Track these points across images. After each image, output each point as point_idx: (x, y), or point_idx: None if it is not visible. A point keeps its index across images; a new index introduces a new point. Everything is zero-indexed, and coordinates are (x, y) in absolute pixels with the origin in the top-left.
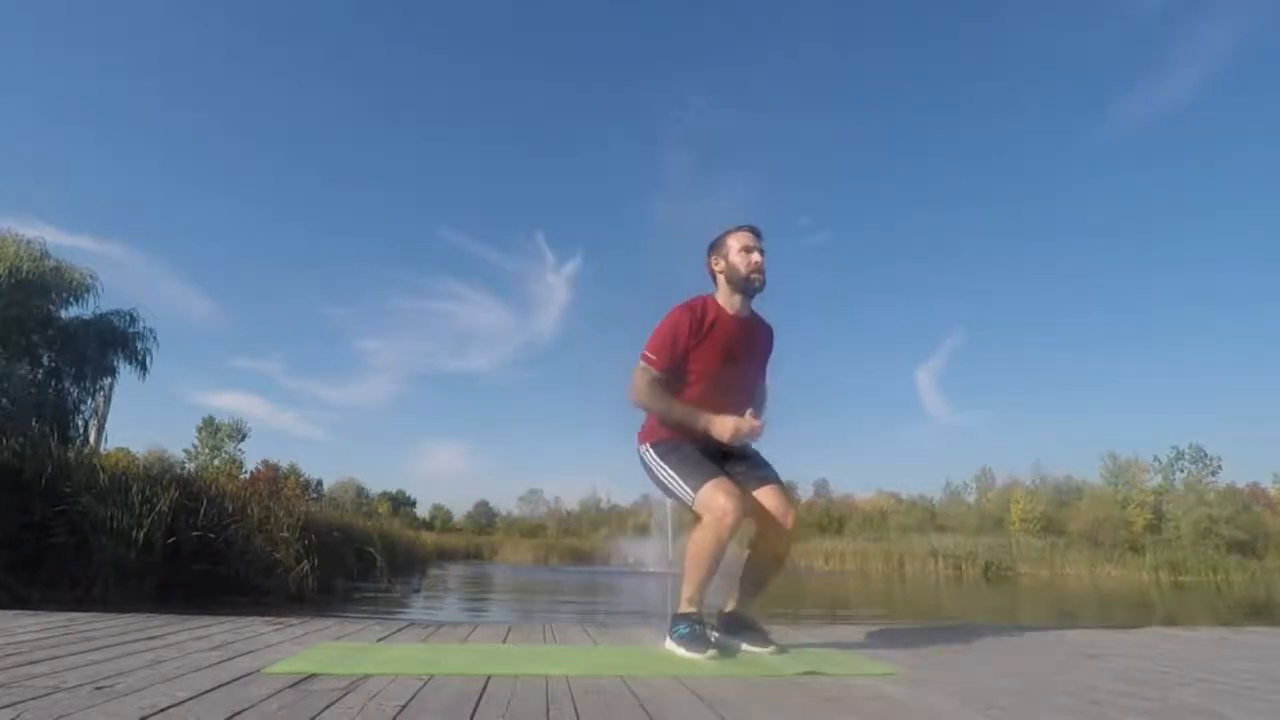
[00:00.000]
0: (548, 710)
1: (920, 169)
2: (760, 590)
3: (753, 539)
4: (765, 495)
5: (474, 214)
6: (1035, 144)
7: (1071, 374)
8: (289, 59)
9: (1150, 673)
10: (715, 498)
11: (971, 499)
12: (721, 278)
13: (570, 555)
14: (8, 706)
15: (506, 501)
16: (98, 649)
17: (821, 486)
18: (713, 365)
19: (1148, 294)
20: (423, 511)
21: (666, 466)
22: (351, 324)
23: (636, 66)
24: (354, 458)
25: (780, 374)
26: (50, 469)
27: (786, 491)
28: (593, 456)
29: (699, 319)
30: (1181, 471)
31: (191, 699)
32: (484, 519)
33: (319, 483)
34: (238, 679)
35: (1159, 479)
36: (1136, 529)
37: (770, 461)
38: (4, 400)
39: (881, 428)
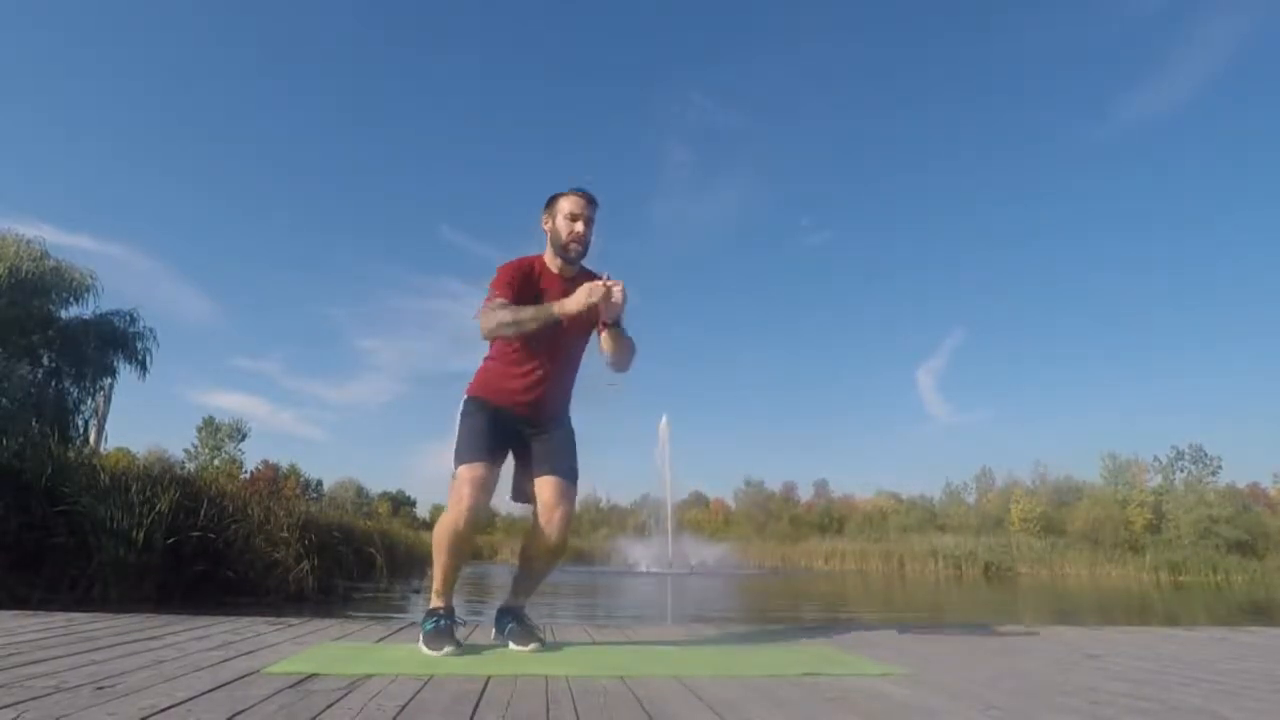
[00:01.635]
0: (548, 710)
1: (921, 169)
2: (532, 583)
3: (527, 530)
4: (543, 486)
5: (474, 213)
6: (1035, 143)
7: (1071, 374)
8: (289, 58)
9: (1150, 673)
10: (460, 484)
11: (971, 499)
12: (548, 238)
13: (570, 555)
14: (8, 706)
15: (506, 501)
16: (98, 649)
17: (821, 486)
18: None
19: (1148, 294)
20: (423, 511)
21: (458, 429)
22: (351, 324)
23: (637, 66)
24: (354, 458)
25: (778, 373)
26: (50, 469)
27: (565, 487)
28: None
29: (526, 273)
30: (1181, 471)
31: (192, 699)
32: (484, 519)
33: (319, 483)
34: (238, 679)
35: (1159, 479)
36: (1136, 529)
37: (571, 454)
38: (4, 400)
39: (882, 428)
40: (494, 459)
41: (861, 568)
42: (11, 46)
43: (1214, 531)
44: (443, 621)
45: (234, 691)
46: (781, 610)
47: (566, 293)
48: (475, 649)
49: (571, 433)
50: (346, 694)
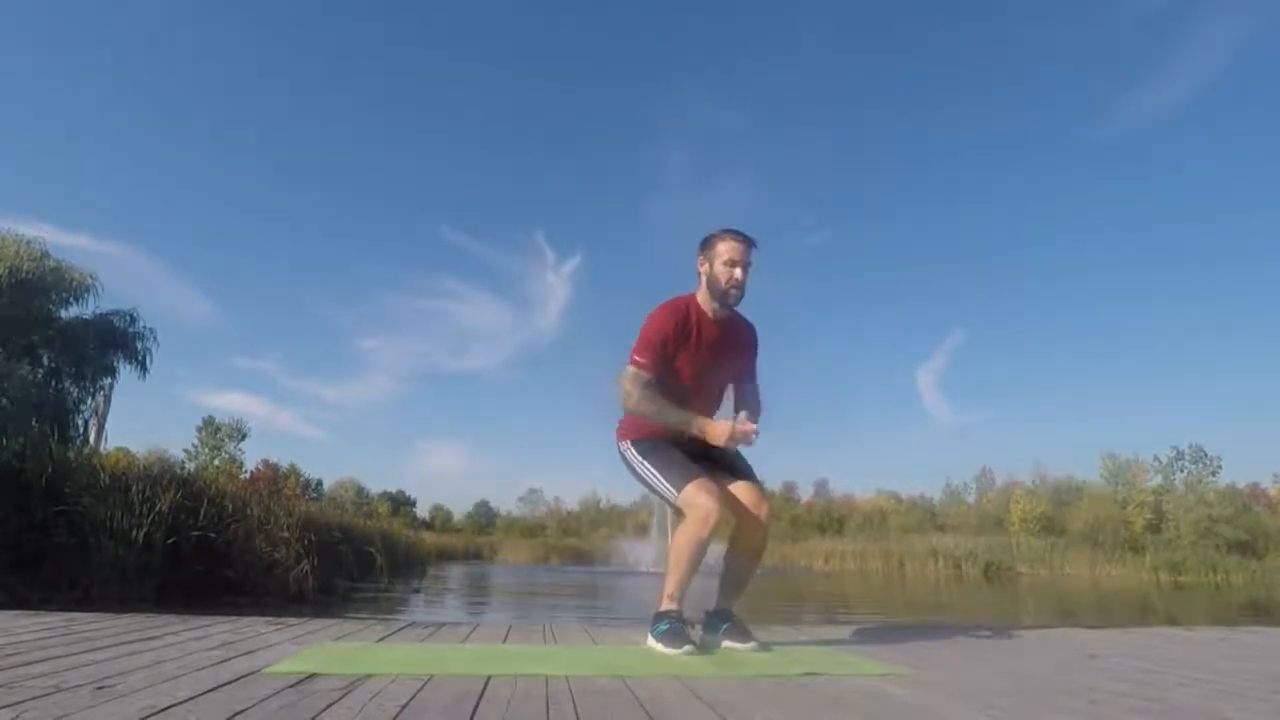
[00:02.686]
0: (548, 710)
1: (921, 168)
2: (740, 587)
3: (731, 535)
4: (740, 490)
5: (474, 213)
6: (1036, 143)
7: (1072, 374)
8: (288, 58)
9: (1150, 673)
10: (698, 496)
11: (971, 499)
12: (703, 280)
13: (570, 555)
14: (8, 706)
15: (506, 501)
16: (98, 649)
17: (821, 486)
18: (696, 367)
19: (1148, 293)
20: (423, 511)
21: (648, 464)
22: (351, 323)
23: (637, 65)
24: (354, 458)
25: (778, 373)
26: (50, 469)
27: (761, 486)
28: (593, 456)
29: (682, 319)
30: (1181, 471)
31: (192, 699)
32: (484, 519)
33: (319, 483)
34: (238, 679)
35: (1159, 479)
36: (1136, 529)
37: (749, 461)
38: (4, 400)
39: (882, 428)
40: (707, 471)
41: (861, 568)
42: (12, 46)
43: (1214, 531)
44: (677, 624)
45: (234, 691)
46: (781, 610)
47: (721, 333)
48: (476, 649)
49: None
50: (346, 694)
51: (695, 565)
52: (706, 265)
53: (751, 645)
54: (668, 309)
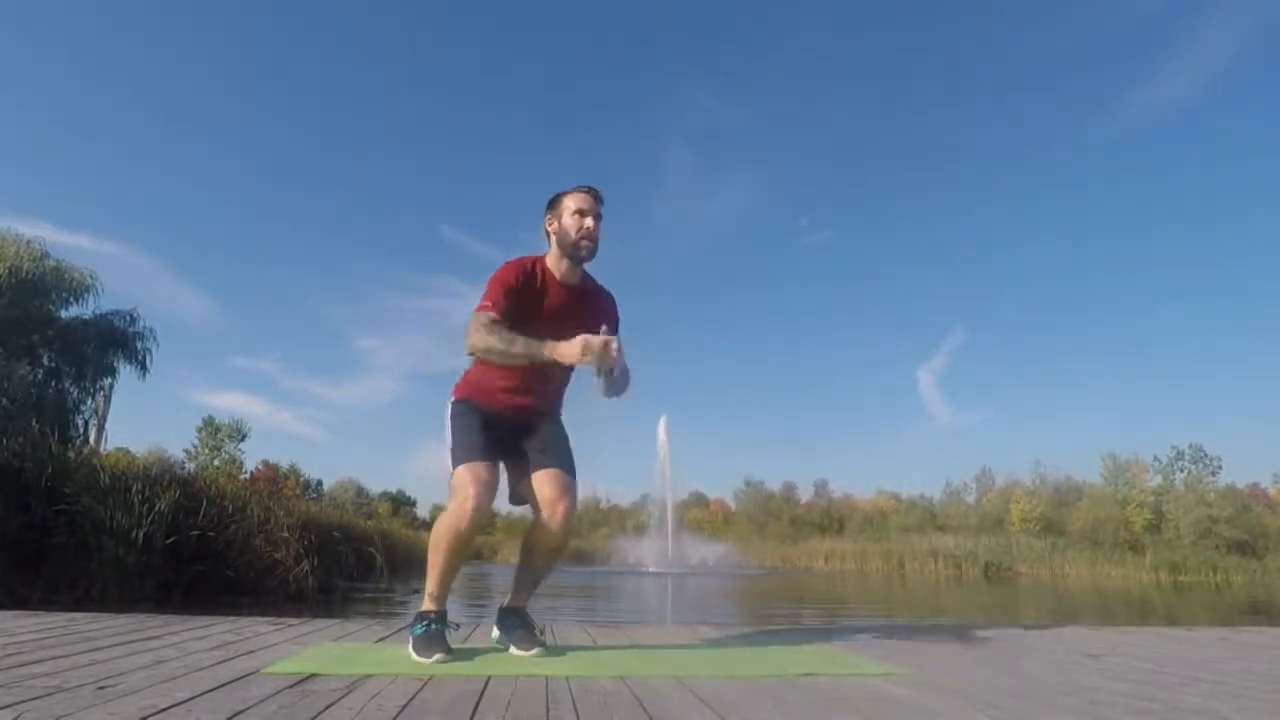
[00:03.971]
0: (548, 710)
1: (922, 167)
2: (532, 584)
3: (528, 527)
4: (541, 480)
5: (474, 212)
6: (1036, 142)
7: (1072, 374)
8: (289, 58)
9: (1150, 673)
10: (463, 482)
11: (971, 499)
12: (553, 239)
13: (570, 555)
14: (8, 707)
15: (506, 502)
16: (98, 649)
17: (821, 486)
18: (532, 330)
19: (1148, 293)
20: (423, 511)
21: (450, 429)
22: (350, 323)
23: (637, 66)
24: (354, 458)
25: (779, 372)
26: (50, 469)
27: (566, 481)
28: (593, 456)
29: (527, 276)
30: (1181, 471)
31: (192, 699)
32: (486, 518)
33: (319, 483)
34: (238, 679)
35: (1159, 479)
36: (1136, 529)
37: (567, 449)
38: (4, 400)
39: (882, 428)
40: (493, 457)
41: (861, 568)
42: (12, 46)
43: (1214, 531)
44: (434, 626)
45: (234, 691)
46: (782, 610)
47: (569, 297)
48: (476, 649)
49: (563, 429)
50: (346, 694)
51: (454, 558)
52: (555, 222)
53: (536, 651)
54: (512, 264)
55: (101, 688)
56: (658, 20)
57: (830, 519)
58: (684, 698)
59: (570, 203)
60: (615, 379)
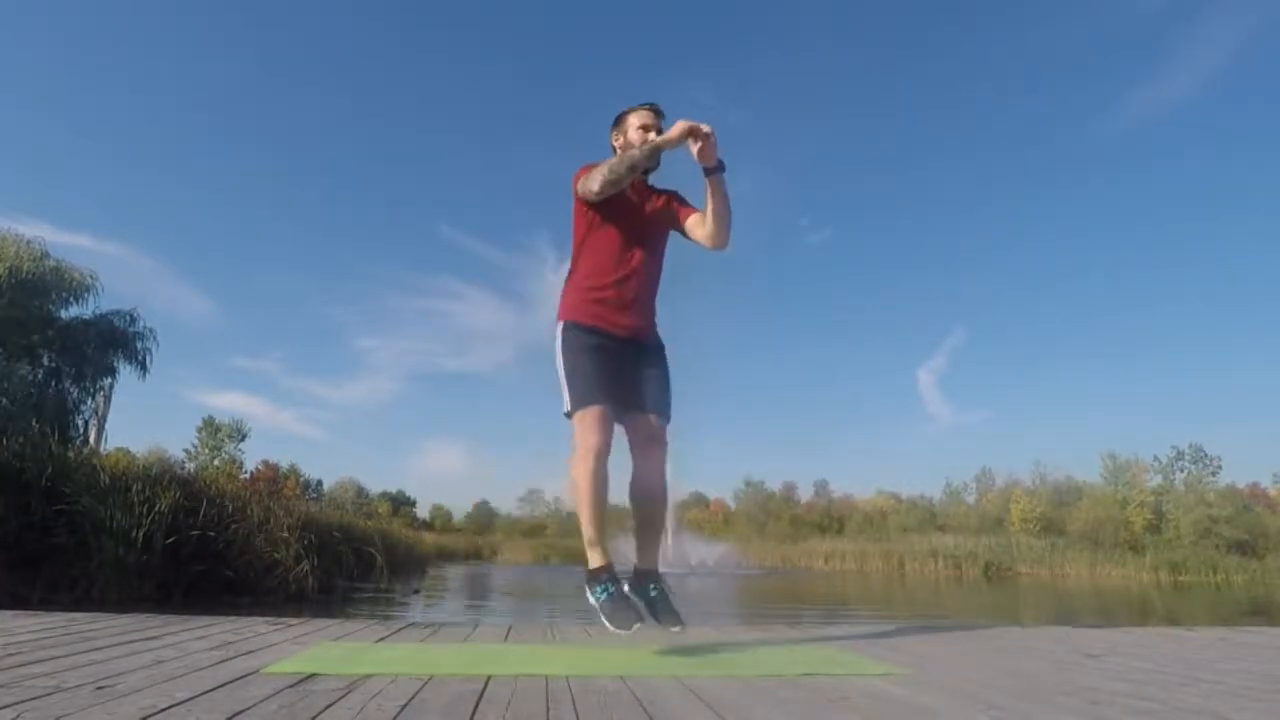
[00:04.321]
0: (548, 710)
1: (922, 167)
2: (653, 535)
3: (632, 477)
4: (636, 423)
5: (474, 212)
6: (1036, 142)
7: (1072, 374)
8: (288, 58)
9: (1150, 673)
10: (584, 429)
11: (971, 499)
12: (619, 152)
13: (570, 555)
14: (8, 707)
15: (506, 501)
16: (98, 649)
17: (821, 486)
18: (616, 227)
19: (1149, 293)
20: (423, 511)
21: (564, 362)
22: (350, 323)
23: (637, 64)
24: (354, 458)
25: (778, 372)
26: (50, 469)
27: (660, 422)
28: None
29: None
30: (1181, 471)
31: (191, 699)
32: (484, 519)
33: (319, 483)
34: (238, 679)
35: (1159, 479)
36: (1136, 529)
37: (667, 390)
38: (4, 400)
39: (882, 428)
40: (609, 396)
41: (861, 568)
42: (11, 45)
43: (1214, 531)
44: (613, 588)
45: (234, 691)
46: (782, 610)
47: (642, 198)
48: (477, 649)
49: (667, 370)
50: (346, 694)
51: (599, 499)
52: (620, 138)
53: (678, 629)
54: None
55: (101, 688)
56: (658, 20)
57: (830, 519)
58: (684, 698)
59: (635, 119)
60: (721, 195)
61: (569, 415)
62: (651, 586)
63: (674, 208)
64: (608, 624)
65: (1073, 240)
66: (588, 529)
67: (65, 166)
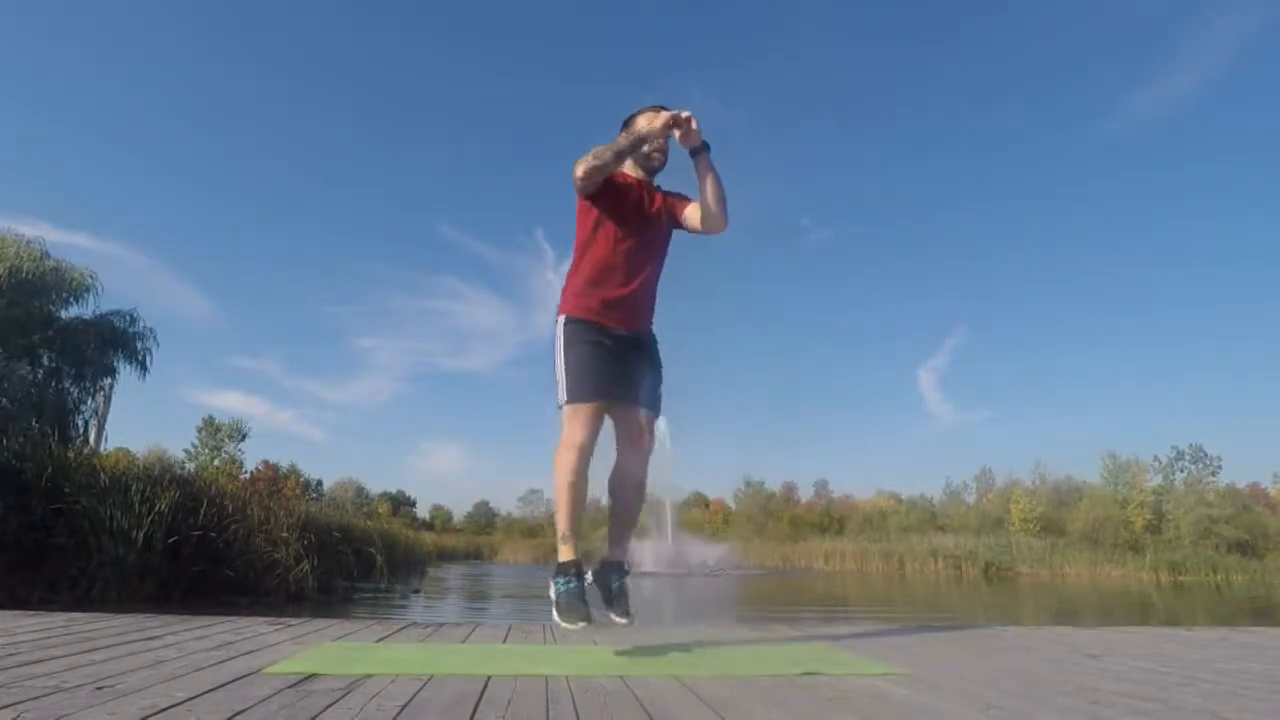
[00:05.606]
0: (548, 710)
1: (922, 167)
2: (629, 524)
3: (613, 468)
4: (626, 414)
5: (473, 211)
6: (1038, 141)
7: (1072, 374)
8: (288, 57)
9: (1150, 673)
10: (574, 423)
11: (971, 499)
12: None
13: None
14: (8, 707)
15: (506, 501)
16: (98, 649)
17: (821, 486)
18: (623, 224)
19: (1149, 293)
20: (423, 511)
21: (563, 355)
22: (350, 322)
23: (637, 64)
24: (354, 458)
25: (778, 372)
26: (50, 469)
27: (651, 416)
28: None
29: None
30: (1181, 471)
31: (191, 699)
32: (484, 519)
33: (319, 483)
34: (238, 679)
35: (1159, 479)
36: (1136, 529)
37: (658, 385)
38: (4, 400)
39: (882, 427)
40: (603, 394)
41: (861, 568)
42: (11, 45)
43: (1214, 531)
44: (574, 584)
45: (234, 691)
46: (781, 610)
47: (645, 198)
48: (477, 649)
49: (660, 365)
50: (346, 694)
51: (577, 495)
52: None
53: (626, 623)
54: None
55: (101, 688)
56: (658, 19)
57: (830, 519)
58: (684, 698)
59: (643, 120)
60: (713, 178)
61: (561, 407)
62: (615, 577)
63: (671, 203)
64: (556, 615)
65: (1073, 240)
66: (562, 523)
67: (65, 166)
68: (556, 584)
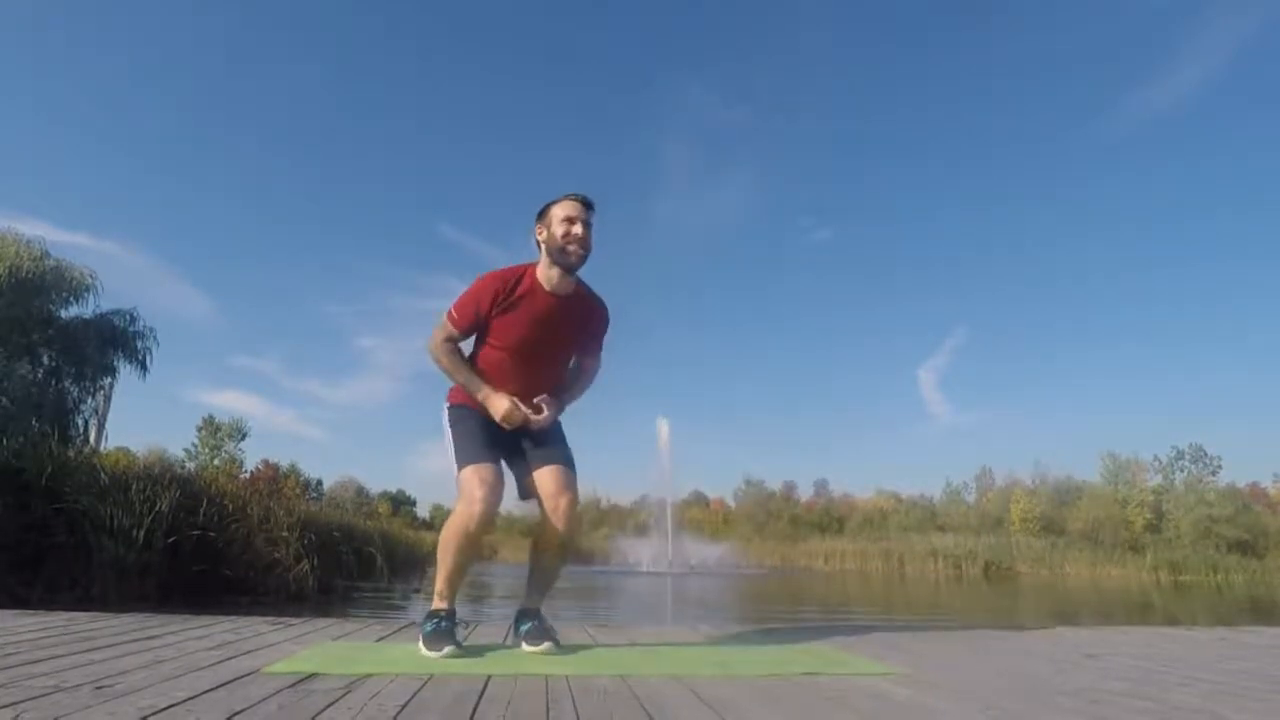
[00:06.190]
0: (548, 710)
1: (923, 167)
2: (544, 585)
3: (535, 526)
4: (543, 478)
5: (473, 211)
6: (1038, 141)
7: (1072, 374)
8: (288, 56)
9: (1150, 673)
10: (470, 484)
11: (971, 499)
12: (543, 247)
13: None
14: (8, 706)
15: (506, 501)
16: (98, 649)
17: (821, 486)
18: (516, 338)
19: (1149, 293)
20: (423, 511)
21: (451, 433)
22: (350, 322)
23: (637, 64)
24: (354, 458)
25: (777, 372)
26: (50, 469)
27: (565, 475)
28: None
29: (508, 288)
30: (1181, 471)
31: (191, 699)
32: (493, 519)
33: (319, 483)
34: (238, 679)
35: (1159, 479)
36: (1136, 529)
37: (563, 442)
38: (4, 400)
39: (882, 427)
40: (496, 458)
41: (861, 568)
42: (10, 45)
43: (1214, 531)
44: (443, 623)
45: (234, 691)
46: (781, 610)
47: (554, 308)
48: (476, 649)
49: (559, 424)
50: (346, 694)
51: (462, 558)
52: (544, 231)
53: (546, 646)
54: (495, 275)
55: (100, 687)
56: (658, 19)
57: (830, 519)
58: (684, 697)
59: (559, 211)
60: (547, 416)
61: (455, 481)
62: (525, 621)
63: (579, 347)
64: (422, 646)
65: (1074, 240)
66: (440, 583)
67: (65, 166)
68: (426, 623)
